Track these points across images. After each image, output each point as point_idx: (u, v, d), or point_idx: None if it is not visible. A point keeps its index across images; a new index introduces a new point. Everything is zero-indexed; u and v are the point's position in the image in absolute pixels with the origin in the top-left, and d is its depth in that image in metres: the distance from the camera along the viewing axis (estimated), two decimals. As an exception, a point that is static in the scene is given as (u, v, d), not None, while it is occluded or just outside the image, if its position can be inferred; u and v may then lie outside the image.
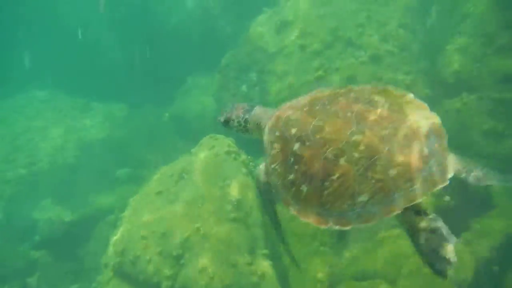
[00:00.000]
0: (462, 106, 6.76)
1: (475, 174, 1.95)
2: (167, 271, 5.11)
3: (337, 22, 8.02)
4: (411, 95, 2.10)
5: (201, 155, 6.07)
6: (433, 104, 7.18)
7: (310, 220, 1.98)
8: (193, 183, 5.67)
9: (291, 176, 2.05)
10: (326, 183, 1.91)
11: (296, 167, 2.03)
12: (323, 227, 1.95)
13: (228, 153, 6.05)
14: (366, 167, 1.84)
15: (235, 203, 5.44)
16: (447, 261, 1.74)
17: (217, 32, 12.04)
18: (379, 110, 1.98)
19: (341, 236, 5.49)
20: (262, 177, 2.34)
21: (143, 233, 5.39)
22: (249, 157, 6.44)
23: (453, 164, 1.90)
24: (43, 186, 9.28)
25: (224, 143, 6.24)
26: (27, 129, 11.07)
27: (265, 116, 2.50)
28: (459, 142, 6.69)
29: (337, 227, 1.91)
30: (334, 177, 1.90)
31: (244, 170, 5.94)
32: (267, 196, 2.37)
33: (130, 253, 5.40)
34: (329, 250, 5.49)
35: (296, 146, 2.05)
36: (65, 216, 8.45)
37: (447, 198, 4.97)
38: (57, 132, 11.18)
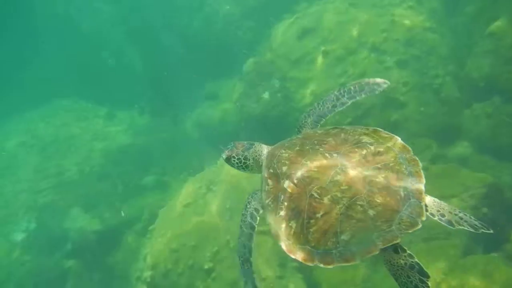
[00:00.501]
0: (494, 110, 6.58)
1: (447, 219, 2.01)
2: (199, 284, 5.16)
3: (360, 27, 7.92)
4: (398, 139, 2.21)
5: (228, 167, 6.08)
6: (463, 107, 7.07)
7: (297, 257, 2.03)
8: (221, 196, 5.71)
9: (282, 212, 2.13)
10: (312, 221, 1.99)
11: (285, 203, 2.12)
12: (309, 264, 2.00)
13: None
14: (347, 206, 1.93)
15: (263, 216, 5.44)
16: None
17: (237, 38, 12.05)
18: (364, 152, 2.10)
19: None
20: (249, 218, 2.45)
21: (174, 246, 5.46)
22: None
23: (428, 207, 2.00)
24: (72, 195, 9.50)
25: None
26: (55, 139, 11.37)
27: (264, 153, 2.61)
28: (489, 147, 6.53)
29: (321, 265, 1.97)
30: (319, 215, 1.98)
31: (271, 181, 5.94)
32: (246, 239, 2.43)
33: (162, 266, 5.48)
34: None
35: (286, 183, 2.15)
36: (95, 225, 8.63)
37: (484, 210, 4.84)
38: (83, 141, 11.45)
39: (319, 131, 2.40)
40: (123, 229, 8.77)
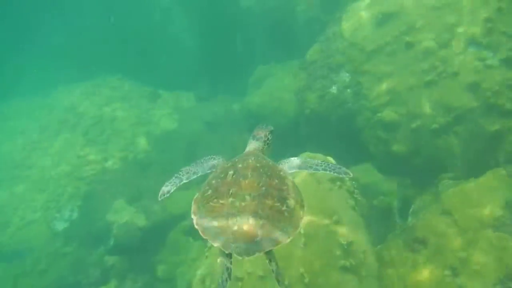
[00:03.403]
0: None
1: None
2: (265, 323, 4.42)
3: (457, 15, 6.63)
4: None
5: (299, 179, 5.20)
6: None
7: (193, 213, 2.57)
8: (293, 217, 4.84)
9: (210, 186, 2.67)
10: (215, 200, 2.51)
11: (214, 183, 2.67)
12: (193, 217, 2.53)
13: (332, 180, 5.14)
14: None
15: (346, 246, 4.57)
16: None
17: (296, 19, 10.88)
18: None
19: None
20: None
21: (238, 274, 4.70)
22: (353, 183, 5.49)
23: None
24: (116, 185, 8.99)
25: (327, 166, 5.31)
26: (99, 119, 10.85)
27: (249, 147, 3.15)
28: None
29: (195, 223, 2.49)
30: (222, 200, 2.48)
31: (351, 202, 5.03)
32: None
33: (221, 294, 4.75)
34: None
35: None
36: (139, 220, 8.08)
37: None
38: (127, 124, 10.88)
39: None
40: (170, 226, 8.19)
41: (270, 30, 11.84)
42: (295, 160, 2.96)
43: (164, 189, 2.92)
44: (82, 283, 7.50)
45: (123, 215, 8.23)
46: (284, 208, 2.42)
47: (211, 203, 2.45)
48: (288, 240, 2.37)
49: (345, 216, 4.80)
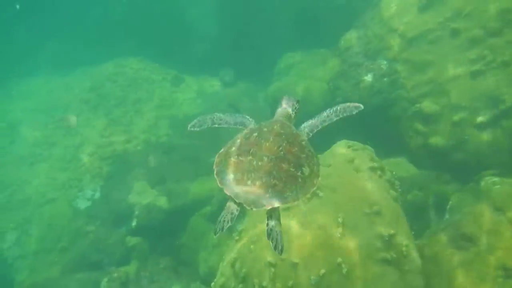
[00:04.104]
0: None
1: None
2: (297, 312, 4.20)
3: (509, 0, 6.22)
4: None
5: (337, 168, 4.94)
6: None
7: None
8: (330, 205, 4.61)
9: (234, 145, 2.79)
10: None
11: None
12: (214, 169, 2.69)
13: (372, 169, 4.87)
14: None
15: (387, 238, 4.30)
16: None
17: (322, 5, 10.50)
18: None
19: None
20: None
21: (271, 259, 4.48)
22: (393, 173, 5.21)
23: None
24: (138, 166, 8.85)
25: (366, 155, 5.06)
26: (122, 100, 10.71)
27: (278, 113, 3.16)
28: None
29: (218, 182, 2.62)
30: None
31: (393, 193, 4.74)
32: None
33: (252, 281, 4.54)
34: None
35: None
36: (162, 203, 7.94)
37: None
38: (150, 106, 10.72)
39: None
40: (191, 211, 8.03)
41: (296, 17, 11.50)
42: (311, 120, 3.06)
43: (196, 122, 3.11)
44: (103, 262, 7.41)
45: (146, 197, 8.10)
46: (298, 173, 2.56)
47: (232, 159, 2.63)
48: (296, 202, 2.55)
49: (386, 207, 4.53)
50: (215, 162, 2.70)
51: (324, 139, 4.62)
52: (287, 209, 4.84)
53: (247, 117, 3.15)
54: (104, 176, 8.53)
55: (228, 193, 2.48)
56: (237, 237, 5.08)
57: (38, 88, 13.09)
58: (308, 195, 2.62)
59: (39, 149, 10.40)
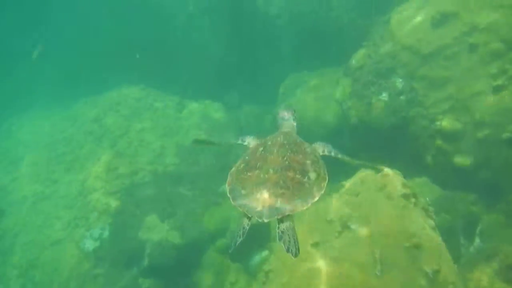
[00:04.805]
0: None
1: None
2: None
3: (528, 12, 6.03)
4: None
5: (367, 196, 4.61)
6: None
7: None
8: (367, 240, 4.25)
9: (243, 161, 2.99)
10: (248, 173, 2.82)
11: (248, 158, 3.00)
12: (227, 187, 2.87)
13: (405, 196, 4.54)
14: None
15: (431, 275, 3.94)
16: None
17: (329, 25, 10.36)
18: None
19: None
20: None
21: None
22: (427, 199, 4.88)
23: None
24: (147, 199, 8.48)
25: (397, 181, 4.74)
26: (126, 131, 10.42)
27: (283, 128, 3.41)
28: None
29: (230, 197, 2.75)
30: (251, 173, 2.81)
31: (431, 222, 4.40)
32: None
33: (286, 329, 4.15)
34: None
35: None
36: (174, 238, 7.55)
37: None
38: (155, 135, 10.41)
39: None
40: (206, 244, 7.64)
41: (300, 37, 11.36)
42: (318, 147, 3.15)
43: (200, 139, 3.40)
44: (114, 308, 6.97)
45: (157, 233, 7.71)
46: (305, 179, 2.66)
47: (242, 175, 2.78)
48: (305, 208, 2.56)
49: (426, 239, 4.19)
50: (227, 181, 2.84)
51: (338, 164, 4.27)
52: (316, 245, 4.49)
53: (247, 136, 3.36)
54: (112, 212, 8.14)
55: (240, 209, 2.58)
56: (264, 279, 4.70)
57: (40, 122, 12.82)
58: (317, 199, 2.64)
59: (42, 186, 10.04)
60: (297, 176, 2.65)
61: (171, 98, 12.08)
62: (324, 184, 2.71)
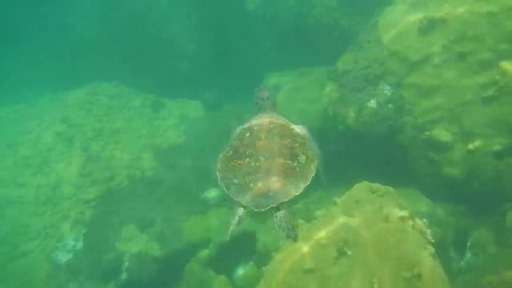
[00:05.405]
0: None
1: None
2: None
3: (517, 22, 5.96)
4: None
5: (363, 219, 4.42)
6: None
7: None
8: (362, 266, 4.07)
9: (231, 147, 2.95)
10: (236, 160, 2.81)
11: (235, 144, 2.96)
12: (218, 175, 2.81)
13: (403, 219, 4.38)
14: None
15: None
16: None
17: (310, 23, 10.08)
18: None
19: None
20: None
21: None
22: (424, 220, 4.75)
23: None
24: (124, 207, 8.04)
25: (394, 201, 4.57)
26: (99, 133, 9.83)
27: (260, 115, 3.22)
28: None
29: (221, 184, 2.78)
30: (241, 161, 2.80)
31: (430, 248, 4.27)
32: None
33: None
34: None
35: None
36: (154, 250, 7.18)
37: None
38: (131, 137, 9.90)
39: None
40: (187, 255, 7.32)
41: (280, 34, 11.06)
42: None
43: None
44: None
45: (135, 244, 7.32)
46: (295, 164, 2.67)
47: (231, 163, 2.76)
48: (298, 193, 2.57)
49: (426, 268, 4.04)
50: (217, 168, 2.83)
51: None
52: (311, 272, 4.27)
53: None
54: (87, 221, 7.66)
55: (234, 199, 2.60)
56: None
57: (1, 119, 11.94)
58: (309, 183, 2.64)
59: (7, 191, 9.34)
60: (287, 161, 2.66)
61: (146, 96, 11.55)
62: (314, 165, 2.71)
